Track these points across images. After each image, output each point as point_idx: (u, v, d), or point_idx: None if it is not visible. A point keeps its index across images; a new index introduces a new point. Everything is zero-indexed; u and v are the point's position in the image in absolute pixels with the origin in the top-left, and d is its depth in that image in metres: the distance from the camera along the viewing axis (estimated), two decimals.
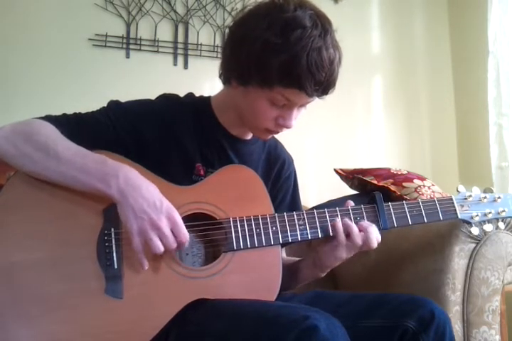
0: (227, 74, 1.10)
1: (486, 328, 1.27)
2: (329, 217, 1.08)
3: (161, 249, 0.94)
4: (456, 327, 1.25)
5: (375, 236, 1.07)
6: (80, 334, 0.93)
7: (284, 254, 1.30)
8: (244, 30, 1.04)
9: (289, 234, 1.06)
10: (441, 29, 2.73)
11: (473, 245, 1.29)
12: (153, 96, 1.17)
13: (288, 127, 1.09)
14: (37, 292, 0.94)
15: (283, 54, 0.98)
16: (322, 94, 1.05)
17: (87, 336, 0.94)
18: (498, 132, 2.35)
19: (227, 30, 1.13)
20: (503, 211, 1.18)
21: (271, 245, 1.05)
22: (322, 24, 1.01)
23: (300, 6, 1.02)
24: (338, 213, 1.09)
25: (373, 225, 1.08)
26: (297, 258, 1.25)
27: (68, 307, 0.94)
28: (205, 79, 2.24)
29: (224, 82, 1.13)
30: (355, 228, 1.06)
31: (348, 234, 1.06)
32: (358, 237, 1.05)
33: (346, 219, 1.07)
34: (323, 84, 1.02)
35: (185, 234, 0.96)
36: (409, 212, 1.12)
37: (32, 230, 0.97)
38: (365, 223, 1.07)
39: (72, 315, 0.94)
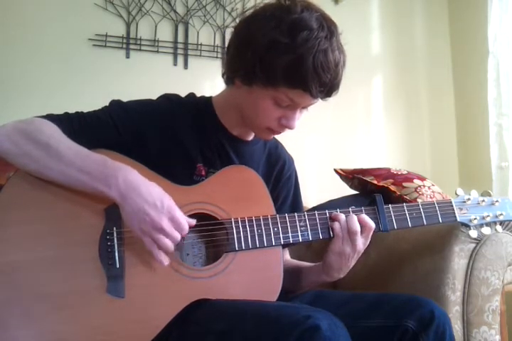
0: (231, 74, 1.10)
1: (486, 328, 1.27)
2: (330, 218, 1.09)
3: (170, 246, 0.94)
4: (456, 327, 1.25)
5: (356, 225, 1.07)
6: (82, 334, 0.93)
7: (287, 256, 1.30)
8: (251, 30, 1.04)
9: (290, 234, 1.06)
10: (442, 29, 2.74)
11: (473, 245, 1.29)
12: (153, 96, 1.17)
13: (291, 128, 1.09)
14: (39, 291, 0.94)
15: (289, 54, 0.99)
16: (326, 96, 1.05)
17: (88, 335, 0.94)
18: (498, 132, 2.35)
19: (230, 30, 1.13)
20: (501, 214, 1.19)
21: (272, 246, 1.05)
22: (328, 26, 1.02)
23: (307, 8, 1.03)
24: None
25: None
26: (302, 263, 1.25)
27: (70, 307, 0.94)
28: (205, 79, 2.25)
29: (227, 82, 1.13)
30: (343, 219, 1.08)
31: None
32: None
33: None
34: (327, 86, 1.02)
35: (184, 229, 0.96)
36: (409, 214, 1.13)
37: (33, 230, 0.97)
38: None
39: (73, 315, 0.94)
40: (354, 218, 1.07)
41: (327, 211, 1.09)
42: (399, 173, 1.83)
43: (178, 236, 0.95)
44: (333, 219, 1.09)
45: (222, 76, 1.13)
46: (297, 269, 1.22)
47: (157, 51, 2.25)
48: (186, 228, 0.96)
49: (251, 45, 1.02)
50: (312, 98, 1.04)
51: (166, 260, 0.96)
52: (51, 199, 1.00)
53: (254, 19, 1.06)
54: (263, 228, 1.05)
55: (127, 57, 2.22)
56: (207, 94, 1.22)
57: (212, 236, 1.05)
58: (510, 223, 1.28)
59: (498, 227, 1.21)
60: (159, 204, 0.95)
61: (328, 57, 1.00)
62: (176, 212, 0.96)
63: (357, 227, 1.07)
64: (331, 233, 1.08)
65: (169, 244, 0.94)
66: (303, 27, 0.99)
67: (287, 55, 0.99)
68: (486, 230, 1.19)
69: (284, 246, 1.09)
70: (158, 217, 0.94)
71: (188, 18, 2.29)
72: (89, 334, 0.94)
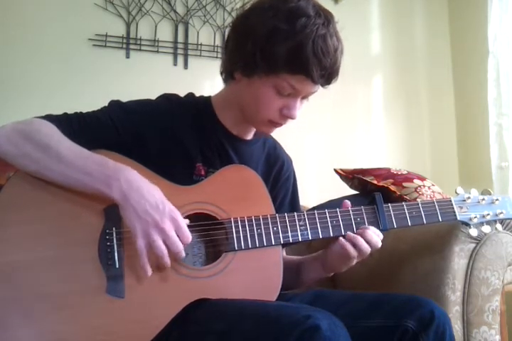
0: (231, 68, 1.10)
1: (486, 328, 1.27)
2: (330, 217, 1.09)
3: (164, 251, 0.93)
4: (456, 327, 1.25)
5: (378, 239, 1.08)
6: (82, 334, 0.93)
7: (284, 253, 1.30)
8: (249, 22, 1.06)
9: (289, 234, 1.06)
10: (442, 29, 2.74)
11: (473, 245, 1.29)
12: (153, 96, 1.17)
13: (292, 117, 1.09)
14: (39, 291, 0.94)
15: (289, 41, 1.01)
16: (326, 83, 1.07)
17: (88, 335, 0.93)
18: (498, 132, 2.35)
19: (228, 29, 1.14)
20: (501, 213, 1.19)
21: (272, 245, 1.05)
22: (325, 14, 1.05)
23: None
24: (339, 214, 1.09)
25: (373, 229, 1.08)
26: (301, 258, 1.25)
27: (70, 307, 0.94)
28: (205, 79, 2.25)
29: (225, 80, 1.14)
30: (361, 241, 1.06)
31: (354, 245, 1.07)
32: (365, 246, 1.06)
33: (350, 234, 1.08)
34: (328, 71, 1.04)
35: (188, 237, 0.95)
36: (408, 213, 1.13)
37: (33, 230, 0.97)
38: (366, 231, 1.08)
39: (73, 315, 0.94)
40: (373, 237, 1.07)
41: (327, 210, 1.09)
42: (399, 173, 1.83)
43: (176, 238, 0.94)
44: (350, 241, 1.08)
45: (221, 74, 1.14)
46: (295, 266, 1.22)
47: (157, 51, 2.25)
48: (188, 234, 0.95)
49: (250, 36, 1.04)
50: (313, 84, 1.05)
51: (149, 270, 0.94)
52: (51, 200, 1.00)
53: (253, 12, 1.08)
54: (262, 227, 1.05)
55: (127, 57, 2.22)
56: (207, 94, 1.22)
57: (211, 235, 1.05)
58: (510, 221, 1.28)
59: (499, 226, 1.21)
60: (161, 206, 0.94)
61: (327, 42, 1.02)
62: (177, 216, 0.95)
63: (378, 245, 1.08)
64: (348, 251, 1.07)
65: (164, 249, 0.93)
66: (300, 14, 1.02)
67: (287, 42, 1.01)
68: (486, 229, 1.19)
69: (283, 245, 1.09)
70: (161, 218, 0.93)
71: (188, 18, 2.30)
72: (89, 334, 0.94)
